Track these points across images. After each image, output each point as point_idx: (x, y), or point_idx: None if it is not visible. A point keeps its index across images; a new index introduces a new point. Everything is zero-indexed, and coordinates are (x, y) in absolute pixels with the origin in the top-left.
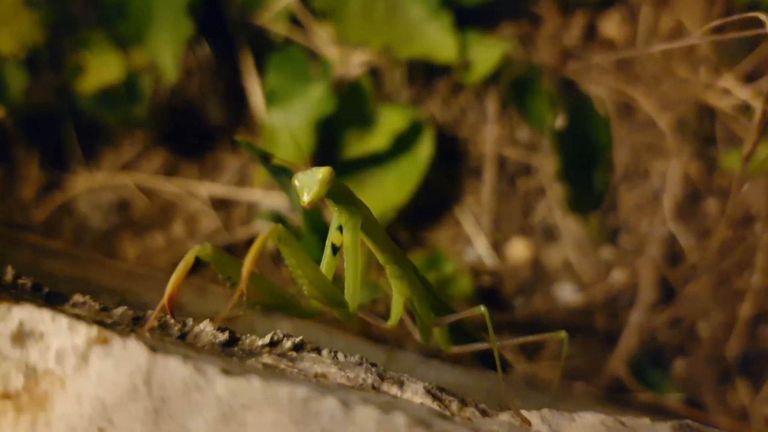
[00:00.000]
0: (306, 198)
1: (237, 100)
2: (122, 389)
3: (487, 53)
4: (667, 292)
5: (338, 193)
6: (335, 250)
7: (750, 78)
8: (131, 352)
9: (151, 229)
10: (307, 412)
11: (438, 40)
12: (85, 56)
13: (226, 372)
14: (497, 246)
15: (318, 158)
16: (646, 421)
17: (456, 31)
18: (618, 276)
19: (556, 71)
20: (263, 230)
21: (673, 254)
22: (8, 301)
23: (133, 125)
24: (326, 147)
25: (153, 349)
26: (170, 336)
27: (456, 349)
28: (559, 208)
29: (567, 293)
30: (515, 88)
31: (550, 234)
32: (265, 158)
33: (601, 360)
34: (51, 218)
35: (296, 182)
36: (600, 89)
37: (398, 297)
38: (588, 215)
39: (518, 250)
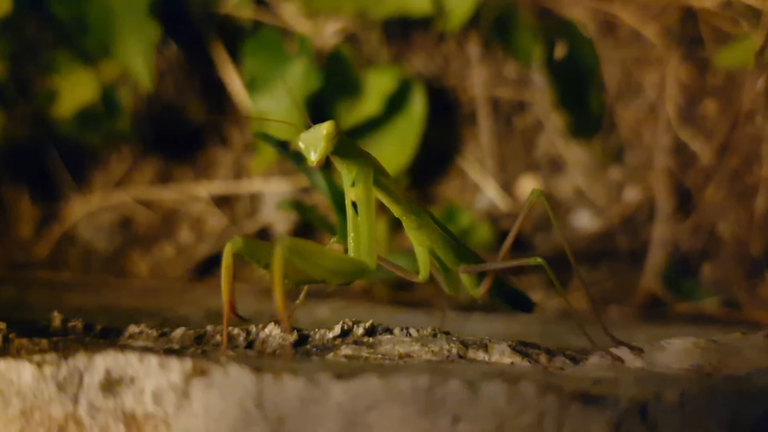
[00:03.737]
0: (313, 157)
1: (216, 93)
2: (233, 418)
3: None
4: (682, 200)
5: (344, 148)
6: (356, 207)
7: None
8: (235, 377)
9: (158, 240)
10: (432, 401)
11: None
12: (56, 80)
13: (340, 376)
14: (507, 187)
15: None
16: (737, 335)
17: None
18: (631, 194)
19: (533, 3)
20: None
21: (681, 161)
22: (85, 349)
23: (118, 140)
24: (318, 122)
25: (258, 369)
26: (238, 347)
27: (484, 292)
28: (560, 138)
29: (585, 220)
30: (498, 26)
31: (556, 165)
32: (284, 146)
33: (630, 280)
34: (55, 251)
35: (300, 143)
36: (578, 12)
37: (420, 249)
38: (590, 139)
39: (528, 186)
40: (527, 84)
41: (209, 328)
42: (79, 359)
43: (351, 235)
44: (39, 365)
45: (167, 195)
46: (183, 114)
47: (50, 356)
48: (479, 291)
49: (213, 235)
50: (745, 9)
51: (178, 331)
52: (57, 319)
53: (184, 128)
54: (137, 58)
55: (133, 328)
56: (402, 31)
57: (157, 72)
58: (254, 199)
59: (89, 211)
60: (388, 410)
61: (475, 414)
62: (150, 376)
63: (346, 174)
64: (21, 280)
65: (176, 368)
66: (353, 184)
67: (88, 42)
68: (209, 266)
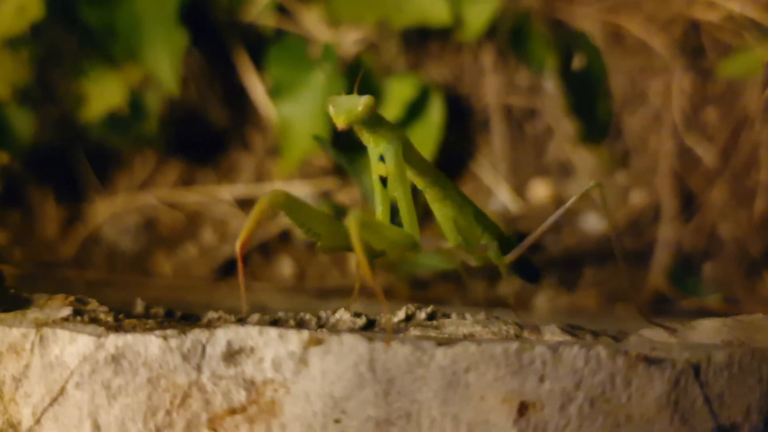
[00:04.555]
0: (342, 119)
1: (238, 99)
2: (348, 380)
3: (478, 10)
4: (686, 202)
5: (375, 121)
6: (384, 181)
7: None
8: (349, 345)
9: (181, 241)
10: (521, 363)
11: (430, 5)
12: (84, 84)
13: (441, 343)
14: (518, 191)
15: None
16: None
17: None
18: (636, 197)
19: (545, 15)
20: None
21: (685, 165)
22: (204, 326)
23: (144, 143)
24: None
25: (370, 338)
26: (310, 329)
27: (509, 261)
28: (570, 143)
29: (592, 223)
30: (514, 37)
31: (565, 170)
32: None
33: (635, 279)
34: (80, 251)
35: (331, 106)
36: (588, 23)
37: (444, 220)
38: (598, 145)
39: (539, 190)
40: (538, 92)
41: (281, 313)
42: (200, 333)
43: (380, 209)
44: (165, 338)
45: (190, 197)
46: (205, 119)
47: (170, 331)
48: (503, 259)
49: (236, 236)
50: (747, 22)
51: (255, 316)
52: (140, 305)
53: (207, 133)
54: (164, 63)
55: (211, 314)
56: (418, 40)
57: (180, 77)
58: None
59: (114, 212)
60: (484, 372)
61: (558, 374)
62: (269, 346)
63: (373, 148)
64: (54, 278)
65: (294, 338)
66: (382, 159)
67: (116, 47)
68: (233, 267)
